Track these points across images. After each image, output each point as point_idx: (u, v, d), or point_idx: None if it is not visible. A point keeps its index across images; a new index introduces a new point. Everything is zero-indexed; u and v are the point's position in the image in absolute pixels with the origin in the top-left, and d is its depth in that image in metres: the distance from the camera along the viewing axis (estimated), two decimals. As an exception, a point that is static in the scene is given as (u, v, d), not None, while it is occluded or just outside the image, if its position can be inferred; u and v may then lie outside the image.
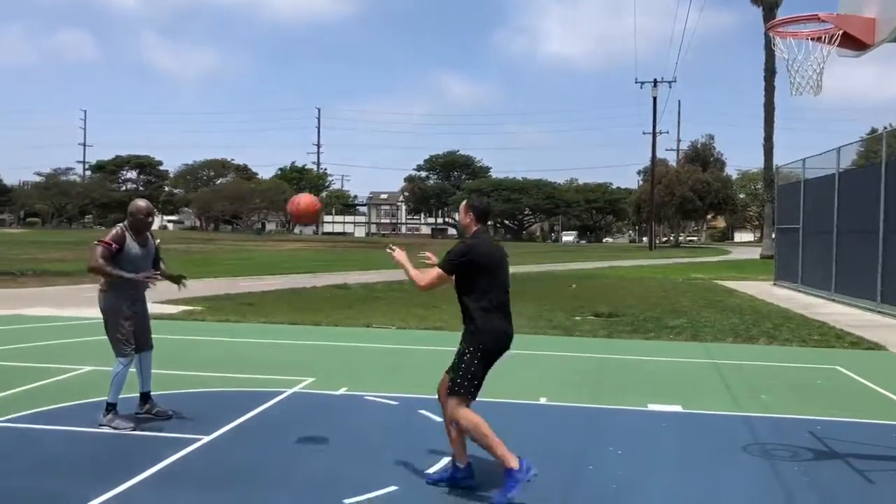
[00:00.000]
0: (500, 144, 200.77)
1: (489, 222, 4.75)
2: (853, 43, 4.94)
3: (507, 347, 4.55)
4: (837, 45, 4.96)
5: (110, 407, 5.68)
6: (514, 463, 4.14)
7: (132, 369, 5.82)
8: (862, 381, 8.06)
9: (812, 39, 4.98)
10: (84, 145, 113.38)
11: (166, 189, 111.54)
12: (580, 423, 6.09)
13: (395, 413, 6.31)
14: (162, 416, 5.91)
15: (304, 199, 5.35)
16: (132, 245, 5.73)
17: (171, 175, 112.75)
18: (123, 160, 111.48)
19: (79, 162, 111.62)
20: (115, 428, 5.57)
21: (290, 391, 6.95)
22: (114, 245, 5.63)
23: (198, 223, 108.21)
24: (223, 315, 12.47)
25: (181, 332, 10.66)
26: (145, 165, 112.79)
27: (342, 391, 7.01)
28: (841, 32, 4.83)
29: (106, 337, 5.81)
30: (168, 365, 7.50)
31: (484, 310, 4.42)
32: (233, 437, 5.49)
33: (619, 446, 5.41)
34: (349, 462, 5.00)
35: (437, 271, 4.46)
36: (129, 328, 5.75)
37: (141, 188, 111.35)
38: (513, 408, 6.56)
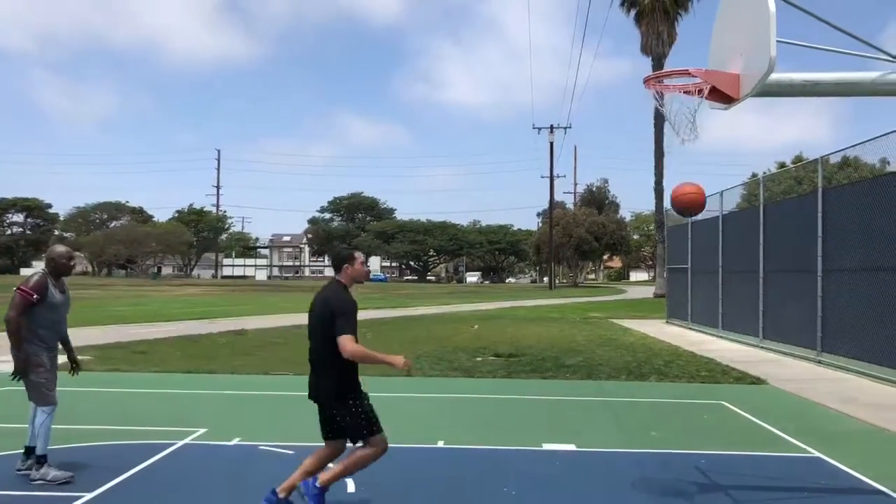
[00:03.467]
0: (404, 187, 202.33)
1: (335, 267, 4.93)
2: (721, 96, 5.29)
3: (312, 398, 4.82)
4: (707, 98, 5.30)
5: (41, 460, 5.45)
6: None
7: (18, 424, 5.57)
8: (744, 414, 8.45)
9: (683, 92, 5.30)
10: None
11: (56, 233, 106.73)
12: (476, 465, 6.13)
13: (291, 463, 6.17)
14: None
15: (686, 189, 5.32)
16: (53, 292, 5.66)
17: (62, 218, 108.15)
18: (9, 203, 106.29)
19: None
20: (52, 480, 5.35)
21: (180, 443, 6.73)
22: (35, 296, 5.52)
23: (90, 268, 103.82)
24: (113, 364, 11.98)
25: (66, 383, 10.12)
26: (33, 208, 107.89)
27: (235, 441, 6.84)
28: (709, 87, 5.16)
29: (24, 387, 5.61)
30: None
31: None
32: (117, 493, 5.26)
33: (514, 487, 5.48)
34: (240, 515, 4.87)
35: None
36: (50, 376, 5.64)
37: (28, 232, 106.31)
38: (410, 452, 6.55)
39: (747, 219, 16.67)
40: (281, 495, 4.65)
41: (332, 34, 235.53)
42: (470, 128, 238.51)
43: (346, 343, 4.53)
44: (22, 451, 5.70)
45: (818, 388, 10.22)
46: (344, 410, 4.68)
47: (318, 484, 4.67)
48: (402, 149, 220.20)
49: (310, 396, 4.79)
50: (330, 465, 4.77)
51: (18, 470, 5.60)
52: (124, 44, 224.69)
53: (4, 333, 5.70)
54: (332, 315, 4.58)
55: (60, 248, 5.92)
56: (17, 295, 5.50)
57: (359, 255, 4.92)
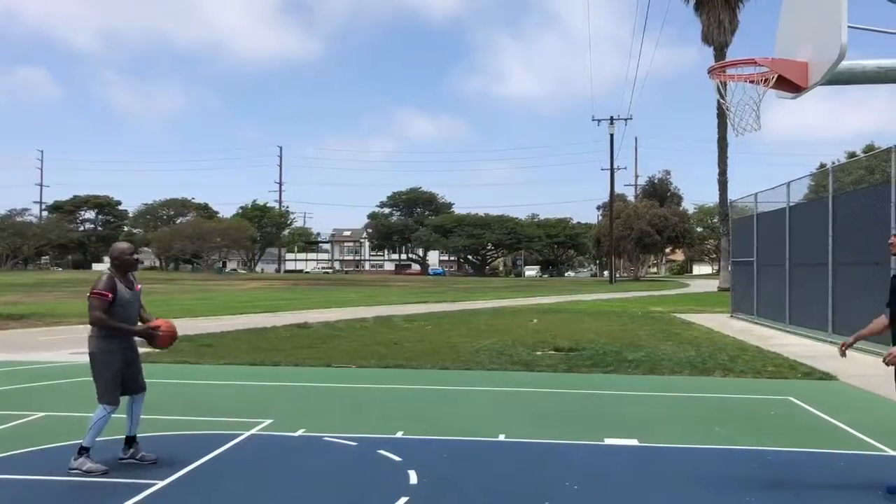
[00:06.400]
0: (462, 181, 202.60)
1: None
2: (788, 85, 5.17)
3: None
4: (774, 88, 5.18)
5: (83, 451, 5.62)
6: None
7: (117, 414, 5.78)
8: (813, 410, 8.25)
9: (750, 82, 5.19)
10: (41, 185, 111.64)
11: (125, 229, 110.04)
12: (537, 459, 6.13)
13: (354, 454, 6.29)
14: (147, 461, 5.82)
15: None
16: (122, 290, 5.79)
17: (131, 215, 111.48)
18: (81, 200, 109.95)
19: (35, 202, 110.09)
20: (86, 472, 5.51)
21: (247, 433, 6.90)
22: (109, 295, 5.68)
23: (158, 263, 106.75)
24: (181, 357, 12.31)
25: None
26: (104, 205, 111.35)
27: (300, 432, 6.97)
28: (776, 76, 5.04)
29: (91, 379, 5.79)
30: (123, 409, 7.38)
31: None
32: (188, 481, 5.43)
33: (576, 481, 5.47)
34: (306, 504, 4.98)
35: None
36: (118, 376, 5.77)
37: (99, 228, 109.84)
38: (471, 445, 6.59)
39: (816, 210, 16.21)
40: None
41: (390, 30, 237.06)
42: (528, 120, 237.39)
43: None
44: (123, 439, 5.93)
45: (891, 385, 9.86)
46: None
47: None
48: (461, 143, 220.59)
49: None
50: None
51: (121, 459, 5.80)
52: (189, 43, 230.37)
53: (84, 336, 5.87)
54: None
55: (122, 245, 5.99)
56: (92, 299, 5.66)
57: None
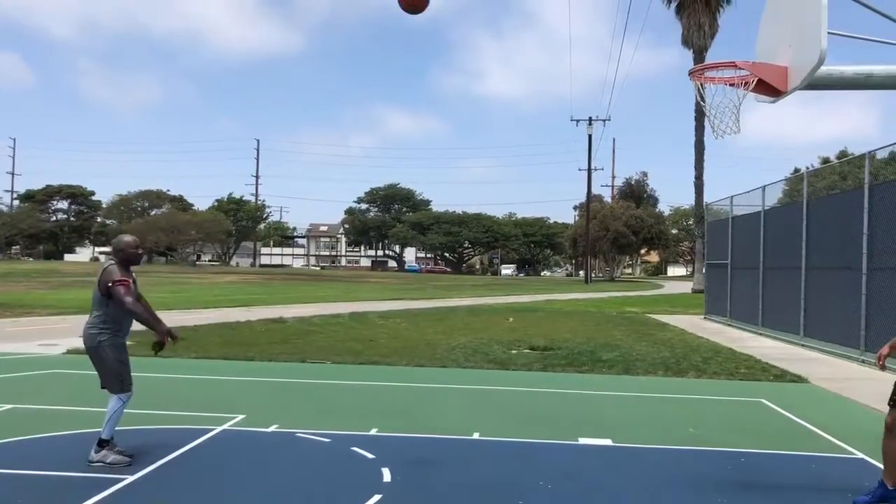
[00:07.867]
0: (440, 178, 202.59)
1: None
2: (768, 89, 5.19)
3: None
4: (754, 91, 5.20)
5: (104, 443, 5.54)
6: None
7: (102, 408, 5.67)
8: (785, 412, 8.32)
9: (730, 85, 5.21)
10: (12, 174, 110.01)
11: (98, 220, 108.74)
12: (511, 458, 6.12)
13: (327, 451, 6.24)
14: (123, 454, 5.71)
15: None
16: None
17: (104, 206, 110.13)
18: (54, 190, 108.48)
19: (7, 191, 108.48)
20: (110, 464, 5.43)
21: (219, 429, 6.82)
22: (129, 281, 5.66)
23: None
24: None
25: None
26: (77, 195, 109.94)
27: (273, 428, 6.91)
28: (756, 79, 5.06)
29: (96, 372, 5.74)
30: (92, 402, 7.28)
31: None
32: (157, 476, 5.35)
33: (550, 481, 5.46)
34: (276, 501, 4.92)
35: None
36: (127, 364, 5.78)
37: (72, 219, 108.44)
38: (445, 443, 6.57)
39: (790, 214, 16.37)
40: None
41: (371, 25, 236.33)
42: (507, 119, 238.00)
43: None
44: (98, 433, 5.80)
45: (861, 388, 10.02)
46: None
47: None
48: (439, 140, 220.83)
49: None
50: None
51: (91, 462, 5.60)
52: (166, 33, 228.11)
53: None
54: None
55: (128, 238, 5.87)
56: (117, 288, 5.55)
57: None
